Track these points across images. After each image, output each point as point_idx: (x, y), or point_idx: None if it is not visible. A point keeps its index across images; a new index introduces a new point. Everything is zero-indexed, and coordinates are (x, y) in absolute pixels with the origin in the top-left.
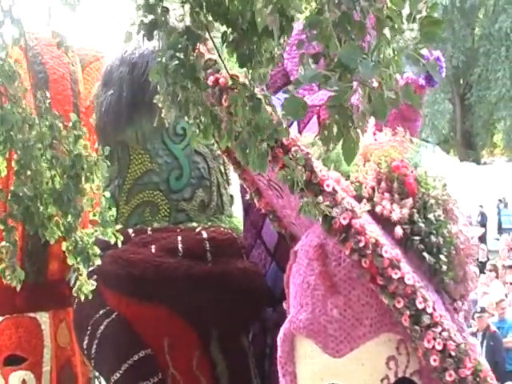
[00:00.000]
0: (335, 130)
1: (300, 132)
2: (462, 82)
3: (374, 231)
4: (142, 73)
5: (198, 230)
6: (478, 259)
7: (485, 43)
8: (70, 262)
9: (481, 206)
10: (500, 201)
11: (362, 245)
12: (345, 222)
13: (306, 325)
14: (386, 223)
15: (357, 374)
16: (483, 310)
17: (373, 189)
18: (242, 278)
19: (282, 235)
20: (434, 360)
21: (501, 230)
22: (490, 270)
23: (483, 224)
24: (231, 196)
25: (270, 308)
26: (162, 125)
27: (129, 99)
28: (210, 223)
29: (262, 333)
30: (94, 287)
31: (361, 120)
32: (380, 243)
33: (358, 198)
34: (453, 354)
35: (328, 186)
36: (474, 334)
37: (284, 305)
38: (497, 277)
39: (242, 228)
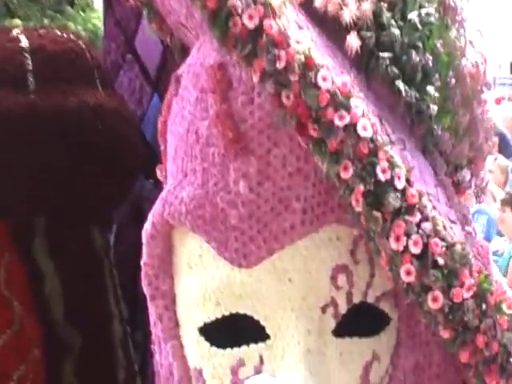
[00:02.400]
0: None
1: None
2: None
3: (304, 41)
4: None
5: (14, 32)
6: None
7: None
8: None
9: None
10: None
11: (280, 66)
12: (251, 25)
13: (191, 208)
14: (331, 28)
15: (279, 298)
16: None
17: None
18: (94, 123)
19: (169, 47)
20: (408, 272)
21: None
22: None
23: None
24: None
25: (148, 180)
26: None
27: None
28: (46, 21)
29: (135, 223)
30: None
31: None
32: (316, 64)
33: None
34: (440, 261)
35: None
36: None
37: (158, 173)
38: None
39: None
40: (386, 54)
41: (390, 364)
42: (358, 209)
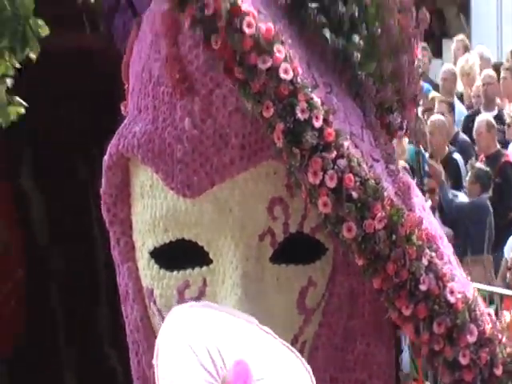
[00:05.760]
0: None
1: None
2: None
3: None
4: None
5: None
6: None
7: None
8: None
9: None
10: None
11: (208, 12)
12: None
13: (142, 142)
14: None
15: (220, 226)
16: None
17: None
18: (79, 63)
19: None
20: (324, 204)
21: None
22: None
23: None
24: None
25: None
26: None
27: None
28: None
29: None
30: None
31: None
32: (242, 11)
33: None
34: (354, 195)
35: None
36: None
37: (122, 108)
38: None
39: None
40: (313, 4)
41: (326, 290)
42: (279, 145)
